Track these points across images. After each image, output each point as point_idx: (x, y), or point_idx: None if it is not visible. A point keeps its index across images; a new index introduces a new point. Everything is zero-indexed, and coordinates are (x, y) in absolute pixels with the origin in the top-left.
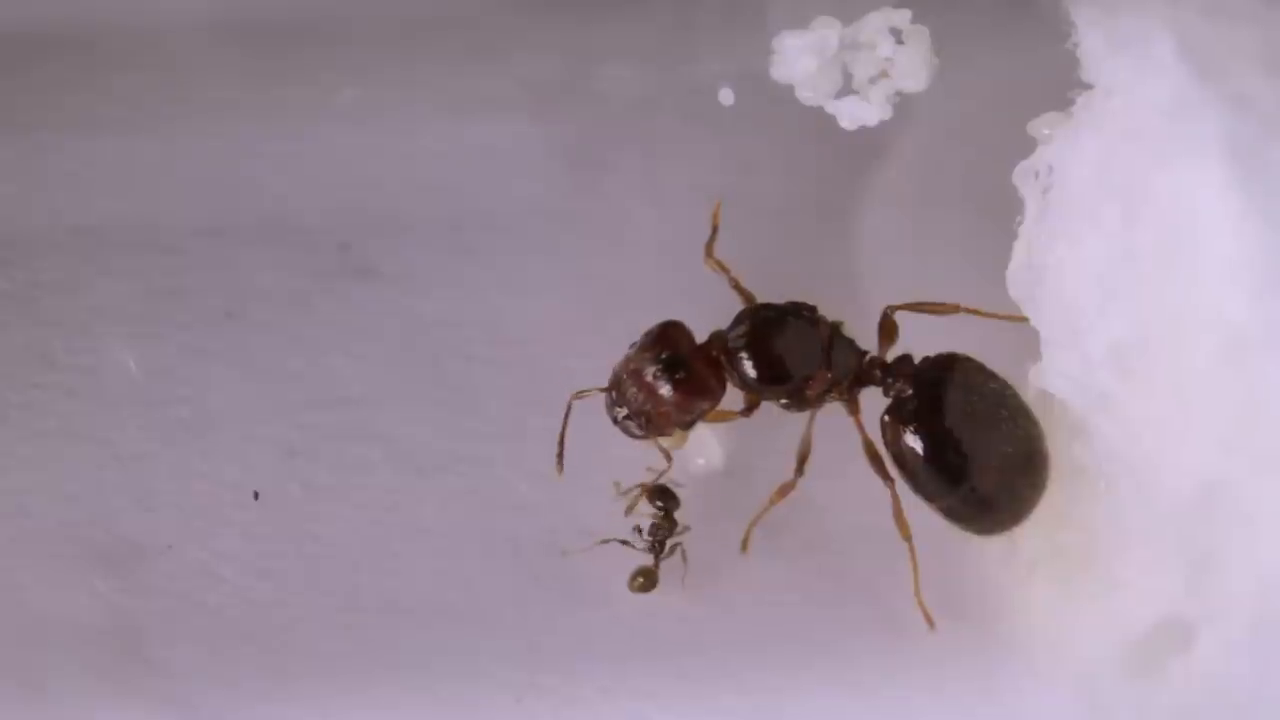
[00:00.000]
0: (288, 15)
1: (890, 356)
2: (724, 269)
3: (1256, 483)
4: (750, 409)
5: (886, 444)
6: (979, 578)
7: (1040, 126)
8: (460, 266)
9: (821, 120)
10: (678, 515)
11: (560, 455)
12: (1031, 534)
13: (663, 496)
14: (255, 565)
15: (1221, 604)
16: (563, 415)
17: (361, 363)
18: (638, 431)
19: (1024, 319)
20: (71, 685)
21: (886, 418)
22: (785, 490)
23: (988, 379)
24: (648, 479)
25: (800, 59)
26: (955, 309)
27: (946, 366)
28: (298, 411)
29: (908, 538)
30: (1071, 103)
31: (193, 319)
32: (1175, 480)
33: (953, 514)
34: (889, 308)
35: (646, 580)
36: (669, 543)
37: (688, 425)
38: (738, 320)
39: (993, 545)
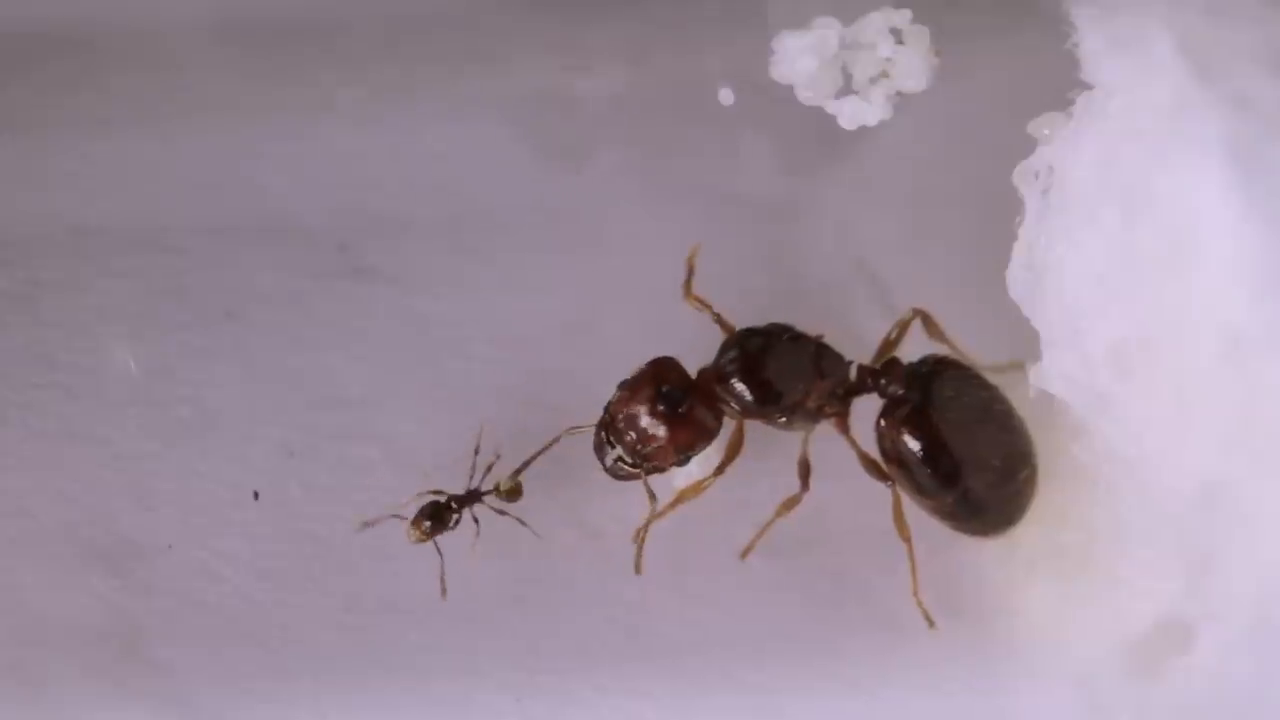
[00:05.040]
0: (288, 15)
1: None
2: (706, 305)
3: (1256, 483)
4: (723, 467)
5: (882, 448)
6: (978, 577)
7: (1040, 126)
8: (460, 266)
9: (821, 120)
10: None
11: (520, 471)
12: (1031, 534)
13: (430, 517)
14: (255, 565)
15: (1221, 604)
16: (547, 442)
17: (361, 363)
18: (631, 473)
19: (1020, 365)
20: (71, 685)
21: (881, 421)
22: (791, 504)
23: (975, 380)
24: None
25: (800, 59)
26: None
27: (936, 366)
28: (298, 411)
29: (907, 539)
30: (1071, 103)
31: (193, 319)
32: (1175, 480)
33: (949, 514)
34: (915, 309)
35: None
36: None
37: (684, 462)
38: (725, 349)
39: (991, 545)
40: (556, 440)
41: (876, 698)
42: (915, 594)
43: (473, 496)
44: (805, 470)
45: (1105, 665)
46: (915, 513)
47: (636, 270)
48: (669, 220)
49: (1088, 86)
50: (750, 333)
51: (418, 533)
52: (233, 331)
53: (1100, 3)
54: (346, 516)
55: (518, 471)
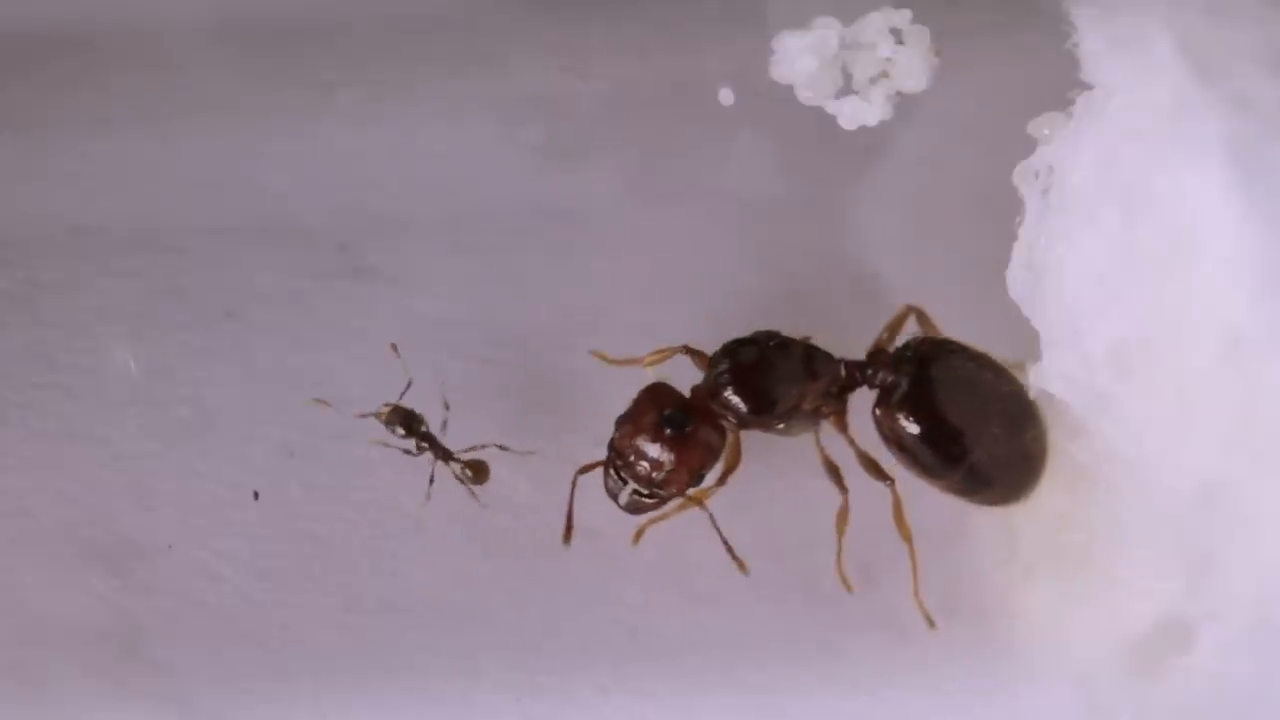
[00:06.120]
0: (288, 15)
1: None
2: (672, 351)
3: (1256, 483)
4: (724, 478)
5: (883, 436)
6: (978, 578)
7: (1040, 126)
8: (460, 266)
9: (821, 120)
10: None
11: (569, 529)
12: (1031, 534)
13: (401, 419)
14: (255, 565)
15: (1221, 604)
16: (569, 492)
17: (361, 363)
18: (649, 504)
19: (1020, 365)
20: (71, 685)
21: (877, 410)
22: (843, 516)
23: (963, 352)
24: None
25: (800, 59)
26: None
27: (920, 347)
28: (298, 411)
29: (908, 539)
30: (1071, 103)
31: (193, 319)
32: (1175, 480)
33: (962, 490)
34: (908, 306)
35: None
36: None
37: (698, 482)
38: (715, 362)
39: (992, 545)
40: (574, 487)
41: (876, 698)
42: (915, 594)
43: (444, 452)
44: (835, 472)
45: (1105, 665)
46: (916, 513)
47: (636, 270)
48: (669, 220)
49: (1088, 86)
50: (738, 343)
51: (384, 415)
52: (233, 331)
53: (1100, 3)
54: (346, 516)
55: (567, 530)
